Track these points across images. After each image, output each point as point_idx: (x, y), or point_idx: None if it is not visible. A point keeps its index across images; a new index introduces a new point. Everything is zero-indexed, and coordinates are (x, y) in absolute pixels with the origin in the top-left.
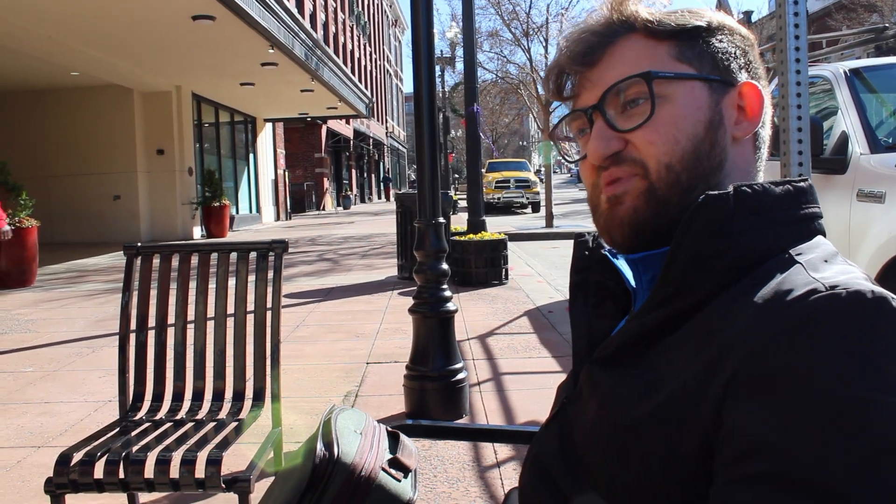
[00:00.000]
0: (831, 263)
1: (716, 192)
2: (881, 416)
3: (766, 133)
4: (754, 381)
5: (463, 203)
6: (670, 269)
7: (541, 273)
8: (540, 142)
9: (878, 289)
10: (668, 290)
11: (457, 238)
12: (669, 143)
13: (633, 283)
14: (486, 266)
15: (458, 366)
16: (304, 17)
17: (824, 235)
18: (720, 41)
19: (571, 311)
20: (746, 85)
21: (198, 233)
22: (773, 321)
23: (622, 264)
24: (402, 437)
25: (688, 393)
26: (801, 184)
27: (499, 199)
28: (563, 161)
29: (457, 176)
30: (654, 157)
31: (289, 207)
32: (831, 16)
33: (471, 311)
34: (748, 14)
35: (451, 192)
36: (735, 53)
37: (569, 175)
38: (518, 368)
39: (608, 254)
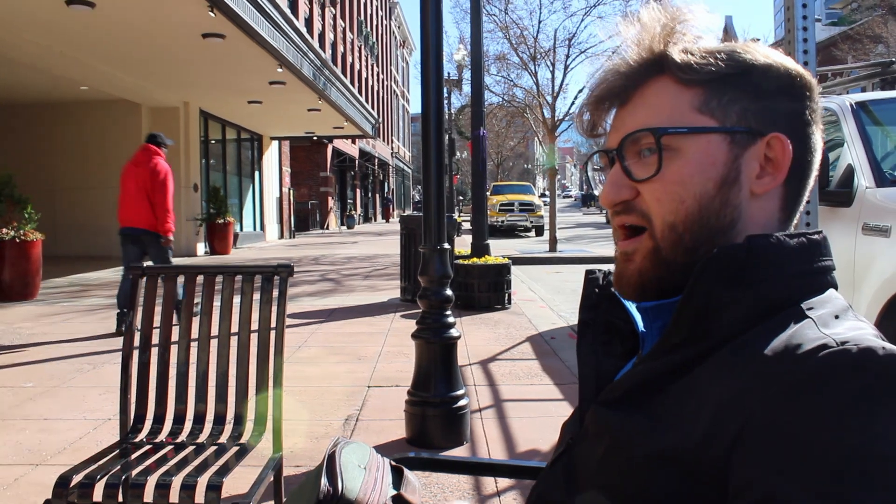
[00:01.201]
0: (843, 319)
1: (730, 245)
2: (889, 475)
3: (802, 186)
4: (765, 434)
5: (467, 225)
6: (681, 317)
7: (543, 298)
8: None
9: (889, 345)
10: (678, 338)
11: (460, 262)
12: (674, 203)
13: (642, 326)
14: (489, 290)
15: (459, 392)
16: (312, 37)
17: (836, 288)
18: (755, 86)
19: (579, 349)
20: (775, 137)
21: (201, 249)
22: (783, 375)
23: (632, 306)
24: (406, 472)
25: (694, 442)
26: (816, 236)
27: (503, 222)
28: (592, 185)
29: (461, 198)
30: (660, 216)
31: (293, 226)
32: (837, 46)
33: (473, 336)
34: (755, 42)
35: (456, 215)
36: (773, 100)
37: (573, 199)
38: (520, 395)
39: (617, 293)
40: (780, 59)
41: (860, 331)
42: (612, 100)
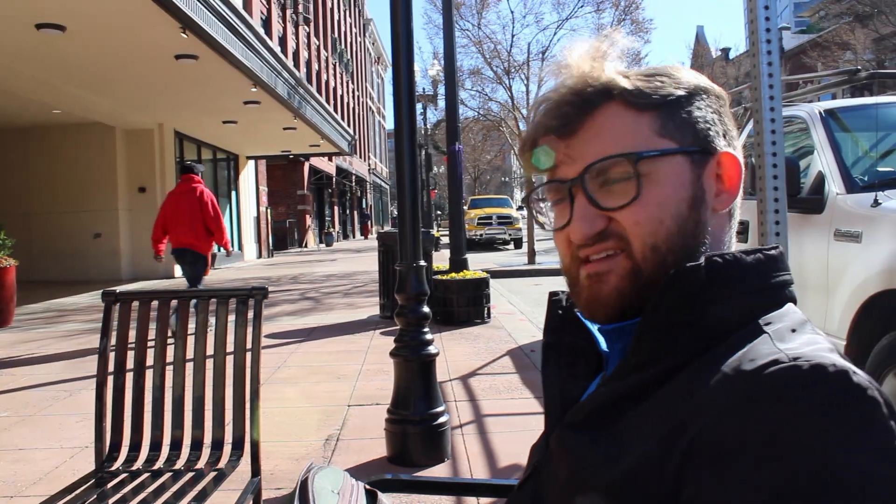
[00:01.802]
0: (799, 333)
1: (688, 265)
2: (835, 489)
3: (739, 199)
4: (709, 450)
5: (445, 240)
6: (642, 338)
7: (523, 311)
8: (522, 177)
9: (841, 361)
10: (639, 359)
11: (439, 277)
12: (654, 224)
13: (604, 347)
14: (468, 305)
15: (439, 409)
16: (287, 56)
17: (795, 303)
18: (699, 108)
19: (544, 372)
20: (725, 155)
21: (178, 271)
22: (733, 391)
23: (594, 327)
24: (380, 495)
25: (651, 461)
26: (772, 252)
27: (481, 235)
28: (538, 222)
29: (439, 213)
30: (640, 238)
31: (271, 245)
32: (806, 53)
33: (453, 351)
34: (726, 52)
35: (434, 230)
36: (713, 119)
37: None
38: (500, 410)
39: (581, 315)
40: (706, 81)
41: (815, 345)
42: (559, 131)
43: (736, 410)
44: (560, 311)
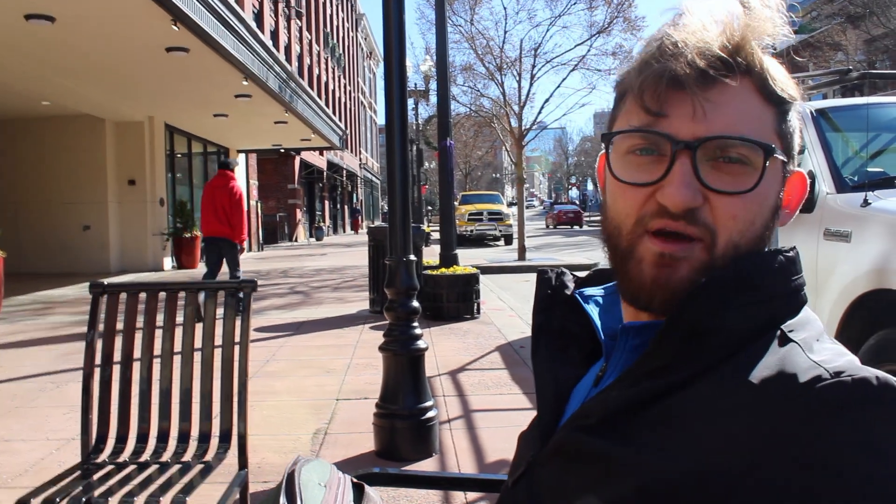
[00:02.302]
0: (822, 342)
1: (720, 272)
2: None
3: None
4: (770, 477)
5: (436, 235)
6: (664, 342)
7: (513, 307)
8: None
9: (882, 374)
10: (659, 363)
11: (429, 272)
12: (747, 224)
13: (602, 335)
14: (457, 300)
15: (428, 404)
16: (278, 50)
17: (806, 302)
18: (794, 118)
19: (535, 358)
20: (798, 173)
21: (168, 264)
22: (782, 413)
23: (593, 310)
24: (367, 488)
25: (686, 474)
26: (790, 253)
27: (472, 231)
28: (610, 170)
29: (430, 208)
30: (728, 232)
31: (261, 238)
32: (798, 53)
33: (442, 347)
34: None
35: (424, 225)
36: (798, 130)
37: (541, 207)
38: (489, 405)
39: (578, 297)
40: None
41: (845, 357)
42: (699, 77)
43: (789, 435)
44: (549, 291)
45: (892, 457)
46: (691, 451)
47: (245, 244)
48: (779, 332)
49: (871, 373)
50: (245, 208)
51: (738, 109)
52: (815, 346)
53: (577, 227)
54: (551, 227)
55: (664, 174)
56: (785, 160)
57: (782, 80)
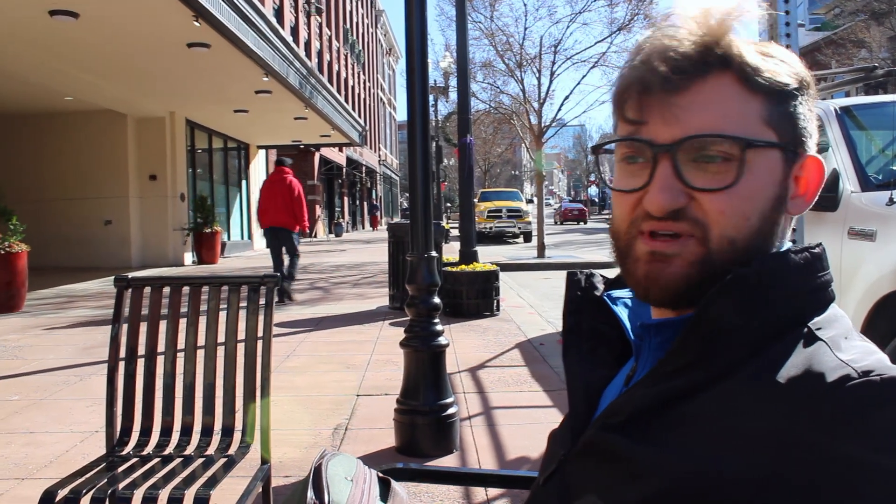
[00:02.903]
0: (850, 339)
1: (743, 269)
2: None
3: None
4: (798, 480)
5: (455, 232)
6: (688, 339)
7: (532, 304)
8: (532, 171)
9: None
10: (684, 361)
11: (449, 269)
12: (739, 218)
13: (631, 335)
14: (477, 297)
15: (449, 400)
16: (298, 46)
17: (834, 299)
18: (802, 103)
19: (565, 359)
20: (812, 158)
21: (189, 259)
22: (809, 414)
23: (621, 311)
24: (393, 483)
25: (715, 475)
26: (816, 250)
27: (491, 228)
28: (602, 181)
29: (449, 205)
30: (720, 228)
31: None
32: (821, 51)
33: (462, 343)
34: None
35: (444, 222)
36: (810, 118)
37: (560, 204)
38: (509, 402)
39: (606, 299)
40: (808, 73)
41: (873, 355)
42: (667, 84)
43: (818, 435)
44: (579, 293)
45: None
46: (713, 452)
47: (308, 230)
48: (805, 331)
49: None
50: (304, 199)
51: (715, 106)
52: (842, 345)
53: (582, 224)
54: (559, 222)
55: (648, 179)
56: (784, 148)
57: (767, 67)
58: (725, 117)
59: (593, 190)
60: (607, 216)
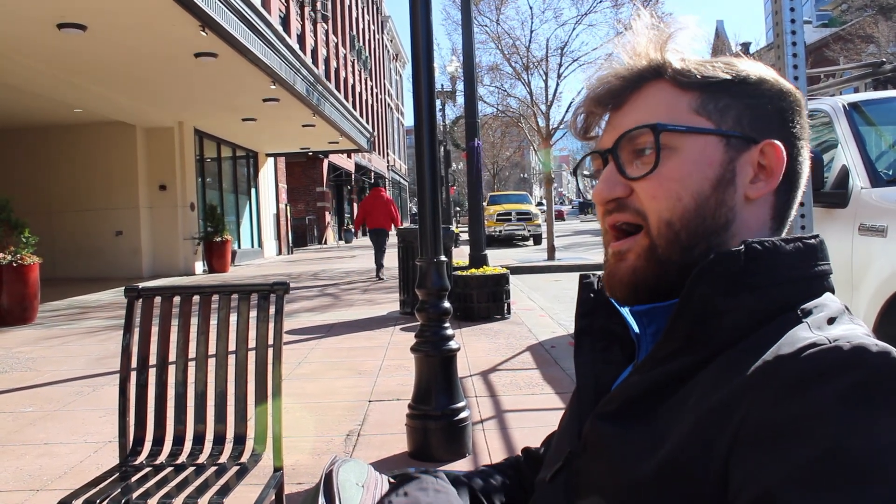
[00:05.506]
0: (838, 322)
1: (727, 250)
2: (884, 469)
3: (792, 196)
4: (758, 432)
5: (465, 236)
6: (676, 324)
7: (543, 307)
8: (540, 174)
9: (882, 343)
10: (674, 346)
11: (459, 273)
12: (671, 199)
13: (636, 330)
14: (488, 301)
15: (460, 404)
16: (305, 53)
17: (833, 292)
18: (750, 96)
19: (577, 358)
20: (769, 144)
21: (199, 268)
22: (775, 374)
23: (626, 310)
24: None
25: (694, 450)
26: (812, 241)
27: (500, 231)
28: (582, 194)
29: (458, 209)
30: (656, 212)
31: (290, 242)
32: (829, 47)
33: (473, 347)
34: (746, 45)
35: (453, 226)
36: (766, 110)
37: (570, 207)
38: (521, 405)
39: (609, 294)
40: (773, 75)
41: (853, 331)
42: (607, 103)
43: (780, 394)
44: (592, 295)
45: (865, 427)
46: (697, 431)
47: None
48: (793, 315)
49: (872, 341)
50: (397, 207)
51: (645, 107)
52: (823, 325)
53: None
54: (587, 213)
55: None
56: (722, 134)
57: (700, 68)
58: (654, 114)
59: None
60: None
